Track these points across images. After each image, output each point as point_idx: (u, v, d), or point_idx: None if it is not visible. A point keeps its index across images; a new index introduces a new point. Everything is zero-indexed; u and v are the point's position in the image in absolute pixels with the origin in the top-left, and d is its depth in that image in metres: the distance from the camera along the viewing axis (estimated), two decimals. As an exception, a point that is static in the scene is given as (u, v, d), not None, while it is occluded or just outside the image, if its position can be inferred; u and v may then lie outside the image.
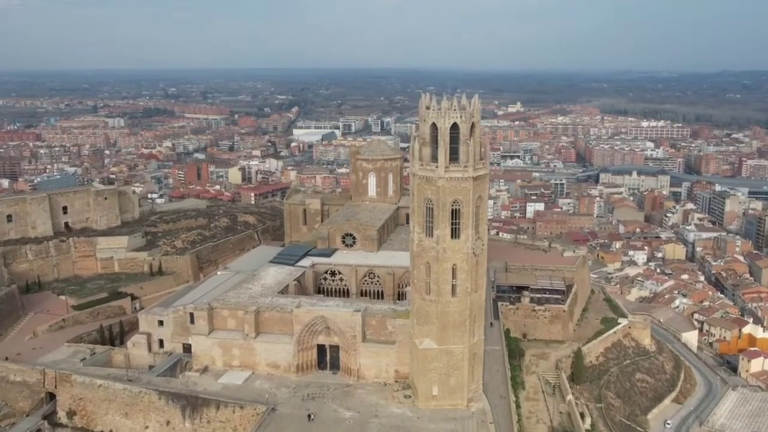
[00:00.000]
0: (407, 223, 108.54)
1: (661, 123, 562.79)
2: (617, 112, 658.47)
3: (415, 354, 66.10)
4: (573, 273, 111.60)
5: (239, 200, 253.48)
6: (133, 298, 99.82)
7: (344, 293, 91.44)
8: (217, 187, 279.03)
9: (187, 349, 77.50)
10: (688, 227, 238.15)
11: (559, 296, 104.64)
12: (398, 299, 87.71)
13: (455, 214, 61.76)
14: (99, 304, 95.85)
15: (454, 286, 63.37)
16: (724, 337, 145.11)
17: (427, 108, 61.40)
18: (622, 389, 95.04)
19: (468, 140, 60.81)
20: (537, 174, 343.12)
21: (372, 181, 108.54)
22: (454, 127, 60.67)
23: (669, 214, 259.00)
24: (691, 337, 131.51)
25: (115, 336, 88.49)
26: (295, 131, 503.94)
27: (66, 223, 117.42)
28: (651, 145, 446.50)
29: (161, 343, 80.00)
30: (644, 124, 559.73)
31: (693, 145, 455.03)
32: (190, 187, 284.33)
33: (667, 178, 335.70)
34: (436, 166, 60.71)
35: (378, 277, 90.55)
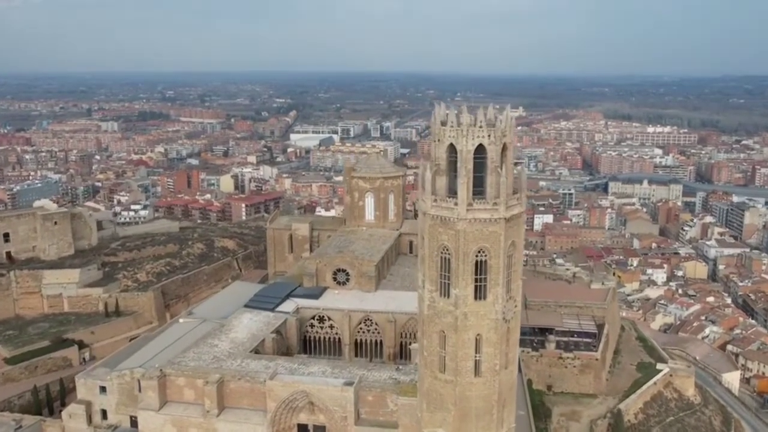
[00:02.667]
0: (410, 251, 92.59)
1: (668, 128, 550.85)
2: (621, 117, 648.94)
3: (424, 448, 50.12)
4: (604, 310, 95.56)
5: (229, 211, 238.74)
6: (82, 346, 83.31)
7: (335, 344, 75.24)
8: (208, 196, 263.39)
9: (135, 422, 61.41)
10: (708, 242, 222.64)
11: (589, 340, 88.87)
12: (401, 357, 71.73)
13: (480, 267, 45.67)
14: (38, 355, 79.30)
15: (477, 363, 47.22)
16: (763, 373, 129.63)
17: (443, 124, 45.35)
18: (669, 455, 79.06)
19: (498, 168, 44.86)
20: (543, 183, 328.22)
21: (369, 202, 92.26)
22: (480, 150, 44.73)
23: (686, 228, 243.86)
24: (732, 379, 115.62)
25: (55, 398, 72.26)
26: (292, 136, 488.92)
27: (8, 253, 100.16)
28: (659, 151, 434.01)
29: (104, 414, 63.82)
30: (650, 129, 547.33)
31: (703, 152, 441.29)
32: (179, 196, 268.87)
33: (680, 188, 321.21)
34: (455, 204, 44.67)
35: (376, 324, 74.42)
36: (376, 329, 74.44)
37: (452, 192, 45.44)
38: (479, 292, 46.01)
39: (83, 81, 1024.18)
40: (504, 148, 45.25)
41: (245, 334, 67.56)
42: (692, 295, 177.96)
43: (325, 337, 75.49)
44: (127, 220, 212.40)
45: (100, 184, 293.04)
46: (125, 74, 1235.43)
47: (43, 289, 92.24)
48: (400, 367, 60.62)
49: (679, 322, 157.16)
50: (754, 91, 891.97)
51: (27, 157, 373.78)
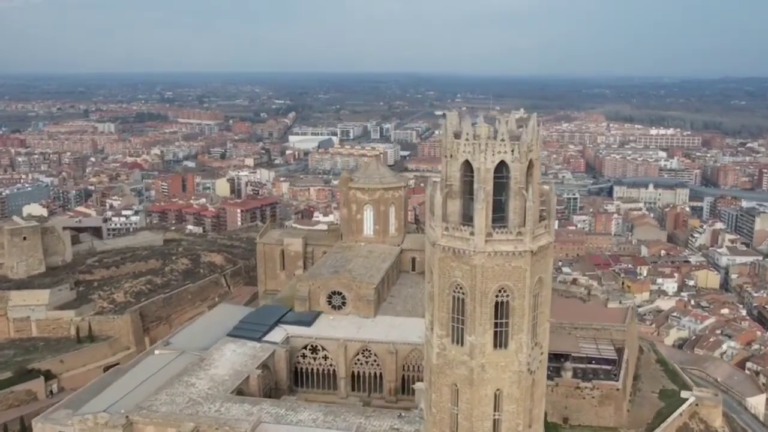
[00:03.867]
0: (413, 269, 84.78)
1: (671, 131, 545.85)
2: (623, 119, 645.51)
3: None
4: (623, 332, 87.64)
5: (224, 216, 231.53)
6: (49, 377, 75.12)
7: (329, 377, 67.36)
8: (203, 200, 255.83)
9: (100, 473, 53.54)
10: (719, 250, 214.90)
11: (609, 367, 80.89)
12: (403, 392, 63.93)
13: (501, 309, 37.79)
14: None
15: (496, 423, 39.31)
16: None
17: (456, 137, 37.46)
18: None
19: (524, 189, 37.04)
20: (546, 187, 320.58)
21: (368, 216, 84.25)
22: (501, 169, 36.89)
23: (695, 234, 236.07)
24: (758, 403, 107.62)
25: (15, 438, 64.43)
26: (291, 138, 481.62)
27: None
28: (663, 154, 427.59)
29: (65, 462, 56.01)
30: (653, 132, 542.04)
31: (708, 155, 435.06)
32: (173, 200, 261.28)
33: (686, 192, 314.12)
34: (471, 233, 36.75)
35: (375, 355, 66.53)
36: (375, 361, 66.59)
37: (467, 219, 37.54)
38: (499, 339, 38.16)
39: (83, 81, 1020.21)
40: (530, 166, 37.43)
41: (227, 370, 59.63)
42: (706, 307, 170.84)
43: (318, 369, 67.62)
44: (118, 226, 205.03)
45: (93, 187, 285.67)
46: (125, 75, 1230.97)
47: (9, 312, 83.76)
48: (403, 414, 52.66)
49: (693, 337, 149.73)
50: (755, 93, 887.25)
51: (20, 159, 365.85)
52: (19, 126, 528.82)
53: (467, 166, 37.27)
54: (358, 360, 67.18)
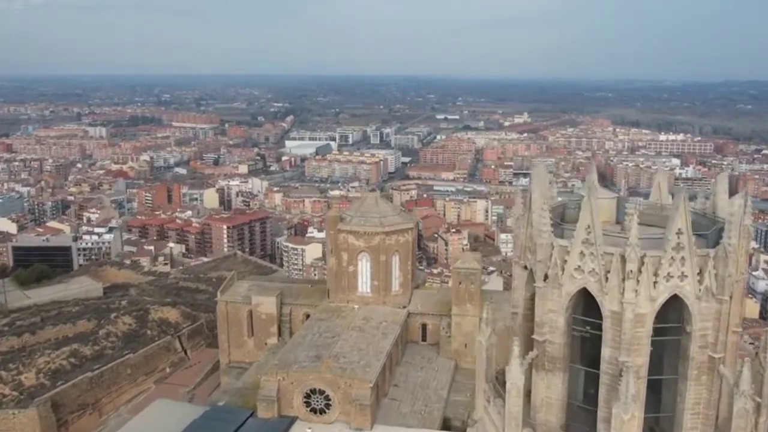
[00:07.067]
0: (423, 339, 63.78)
1: (680, 136, 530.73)
2: (629, 123, 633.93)
3: None
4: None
5: (209, 232, 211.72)
6: None
7: None
8: (189, 213, 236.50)
9: None
10: (755, 273, 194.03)
11: None
12: None
13: None
14: None
15: None
16: None
17: (557, 232, 16.49)
18: None
19: (719, 360, 16.06)
20: (559, 199, 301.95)
21: (364, 268, 63.10)
22: (667, 312, 16.01)
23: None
24: None
25: None
26: (288, 143, 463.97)
27: None
28: (677, 162, 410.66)
29: None
30: (662, 137, 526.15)
31: (725, 162, 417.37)
32: (156, 213, 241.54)
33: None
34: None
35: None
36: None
37: (581, 417, 16.64)
38: None
39: (80, 83, 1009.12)
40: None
41: None
42: (751, 343, 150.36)
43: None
44: (89, 245, 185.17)
45: (72, 197, 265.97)
46: (123, 77, 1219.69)
47: None
48: None
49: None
50: (760, 96, 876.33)
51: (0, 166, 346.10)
52: (8, 130, 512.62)
53: (580, 301, 16.46)
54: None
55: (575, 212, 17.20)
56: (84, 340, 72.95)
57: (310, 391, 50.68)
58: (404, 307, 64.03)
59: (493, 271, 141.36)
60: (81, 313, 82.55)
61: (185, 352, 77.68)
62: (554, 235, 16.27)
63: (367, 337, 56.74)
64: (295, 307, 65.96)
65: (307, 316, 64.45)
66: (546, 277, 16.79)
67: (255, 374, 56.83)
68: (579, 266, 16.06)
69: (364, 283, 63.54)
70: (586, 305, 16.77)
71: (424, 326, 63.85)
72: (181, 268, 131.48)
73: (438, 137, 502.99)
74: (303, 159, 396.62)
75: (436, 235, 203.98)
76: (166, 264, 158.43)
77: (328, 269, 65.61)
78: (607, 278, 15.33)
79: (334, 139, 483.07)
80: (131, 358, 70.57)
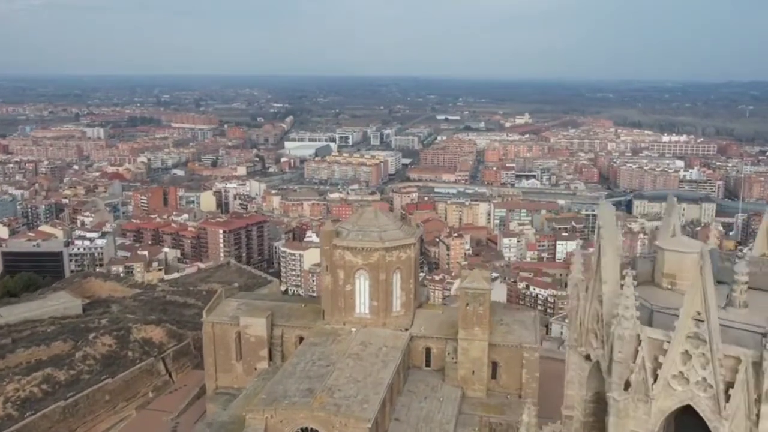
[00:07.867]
0: (427, 365, 59.02)
1: (684, 138, 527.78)
2: (631, 124, 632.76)
3: None
4: None
5: (204, 237, 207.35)
6: None
7: None
8: (185, 216, 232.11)
9: None
10: None
11: None
12: None
13: None
14: None
15: None
16: None
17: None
18: None
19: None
20: (562, 202, 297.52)
21: (362, 287, 58.28)
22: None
23: (735, 260, 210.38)
24: None
25: None
26: (287, 144, 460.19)
27: None
28: (681, 163, 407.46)
29: None
30: (665, 138, 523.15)
31: (730, 164, 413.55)
32: (152, 216, 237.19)
33: (713, 207, 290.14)
34: None
35: None
36: None
37: None
38: None
39: (80, 84, 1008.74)
40: None
41: None
42: None
43: None
44: (81, 251, 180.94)
45: (66, 200, 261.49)
46: (123, 77, 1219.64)
47: None
48: None
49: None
50: (761, 97, 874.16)
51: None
52: (6, 131, 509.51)
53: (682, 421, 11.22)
54: None
55: (647, 271, 12.24)
56: (59, 364, 67.68)
57: (301, 430, 45.86)
58: (406, 330, 59.09)
59: (496, 278, 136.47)
60: (56, 334, 76.69)
61: (170, 375, 72.15)
62: (639, 321, 11.36)
63: (365, 366, 51.83)
64: (287, 329, 61.04)
65: (301, 339, 59.61)
66: (628, 384, 11.58)
67: (242, 405, 51.92)
68: (681, 373, 10.81)
69: (363, 304, 58.59)
70: (682, 426, 11.33)
71: (427, 350, 58.98)
72: (170, 279, 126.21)
73: (438, 138, 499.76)
74: (302, 160, 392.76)
75: (437, 240, 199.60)
76: (160, 270, 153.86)
77: (323, 288, 60.48)
78: (728, 396, 10.04)
79: (333, 140, 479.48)
80: (110, 383, 64.92)
